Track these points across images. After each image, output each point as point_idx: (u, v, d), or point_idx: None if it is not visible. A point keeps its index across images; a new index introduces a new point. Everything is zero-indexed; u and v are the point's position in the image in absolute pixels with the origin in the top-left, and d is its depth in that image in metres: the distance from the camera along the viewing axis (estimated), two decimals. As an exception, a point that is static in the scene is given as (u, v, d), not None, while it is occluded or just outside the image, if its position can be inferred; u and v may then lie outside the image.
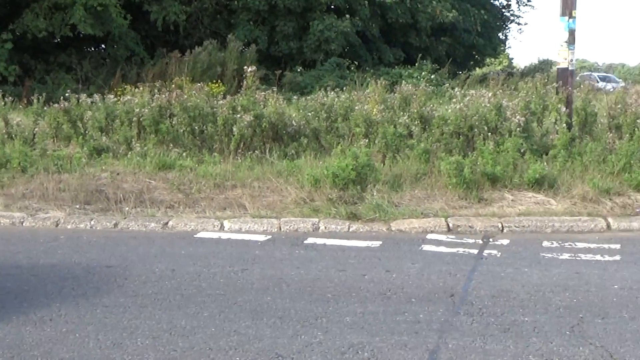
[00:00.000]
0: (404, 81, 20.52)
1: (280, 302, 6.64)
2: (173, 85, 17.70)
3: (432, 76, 29.97)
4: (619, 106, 13.67)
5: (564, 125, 12.54)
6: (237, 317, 6.25)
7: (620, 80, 41.50)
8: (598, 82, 35.82)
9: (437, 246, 8.73)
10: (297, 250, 8.56)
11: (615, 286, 7.16)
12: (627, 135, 12.60)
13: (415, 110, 13.39)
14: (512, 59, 60.58)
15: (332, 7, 34.68)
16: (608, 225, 9.75)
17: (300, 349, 5.59)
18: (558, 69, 13.30)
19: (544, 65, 42.52)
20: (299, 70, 32.33)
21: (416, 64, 32.42)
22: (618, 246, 8.81)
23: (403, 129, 12.86)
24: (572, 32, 12.76)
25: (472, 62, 45.26)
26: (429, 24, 36.12)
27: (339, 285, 7.15)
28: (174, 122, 13.63)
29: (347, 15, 33.45)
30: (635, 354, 5.50)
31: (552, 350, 5.55)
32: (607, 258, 8.25)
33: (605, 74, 49.50)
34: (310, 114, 14.02)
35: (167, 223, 9.78)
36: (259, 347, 5.61)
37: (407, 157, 12.12)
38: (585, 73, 47.22)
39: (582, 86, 14.24)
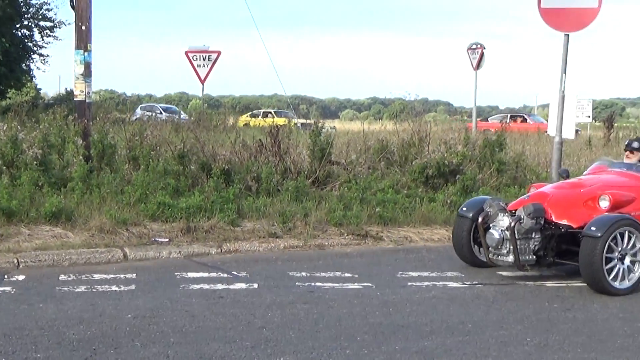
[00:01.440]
0: None
1: None
2: None
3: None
4: (136, 138, 14.06)
5: (82, 157, 12.57)
6: None
7: (182, 112, 42.45)
8: (162, 113, 36.71)
9: (-55, 287, 8.22)
10: None
11: (129, 315, 7.30)
12: (144, 166, 12.98)
13: None
14: (40, 89, 59.25)
15: None
16: (125, 255, 9.93)
17: None
18: (75, 101, 13.31)
19: (72, 96, 42.20)
20: None
21: None
22: (134, 275, 9.01)
23: None
24: (88, 65, 12.87)
25: (-5, 94, 43.58)
26: None
27: None
28: None
29: None
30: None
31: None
32: (122, 288, 8.39)
33: (167, 105, 50.53)
34: None
35: None
36: None
37: None
38: (148, 104, 48.02)
39: (97, 118, 14.38)
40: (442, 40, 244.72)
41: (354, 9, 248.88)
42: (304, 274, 9.33)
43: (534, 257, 9.15)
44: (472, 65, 30.68)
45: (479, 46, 30.79)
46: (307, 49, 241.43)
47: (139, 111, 37.54)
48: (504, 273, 9.50)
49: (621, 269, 8.71)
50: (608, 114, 37.48)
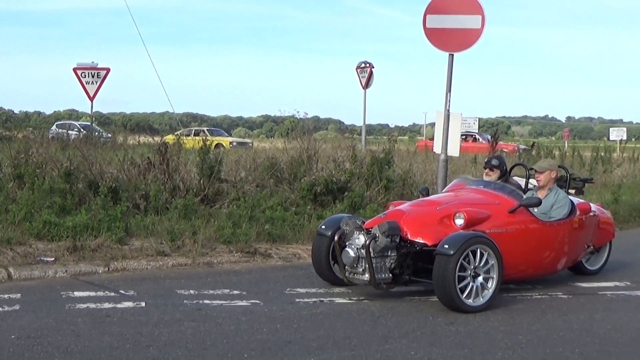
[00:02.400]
0: None
1: None
2: None
3: None
4: (22, 156, 13.79)
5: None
6: None
7: (102, 129, 41.58)
8: (81, 130, 36.08)
9: None
10: None
11: (13, 336, 7.17)
12: (29, 184, 12.74)
13: None
14: None
15: None
16: (9, 275, 9.72)
17: None
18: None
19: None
20: None
21: None
22: (18, 295, 8.83)
23: None
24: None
25: None
26: None
27: None
28: None
29: None
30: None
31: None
32: (6, 308, 8.22)
33: (86, 123, 49.61)
34: None
35: None
36: None
37: None
38: (65, 122, 46.97)
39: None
40: (333, 59, 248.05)
41: (244, 26, 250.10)
42: (192, 291, 9.31)
43: (390, 275, 9.12)
44: (361, 84, 31.12)
45: (368, 65, 31.28)
46: (197, 66, 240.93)
47: (54, 129, 36.84)
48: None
49: (474, 287, 8.78)
50: (493, 132, 38.42)
